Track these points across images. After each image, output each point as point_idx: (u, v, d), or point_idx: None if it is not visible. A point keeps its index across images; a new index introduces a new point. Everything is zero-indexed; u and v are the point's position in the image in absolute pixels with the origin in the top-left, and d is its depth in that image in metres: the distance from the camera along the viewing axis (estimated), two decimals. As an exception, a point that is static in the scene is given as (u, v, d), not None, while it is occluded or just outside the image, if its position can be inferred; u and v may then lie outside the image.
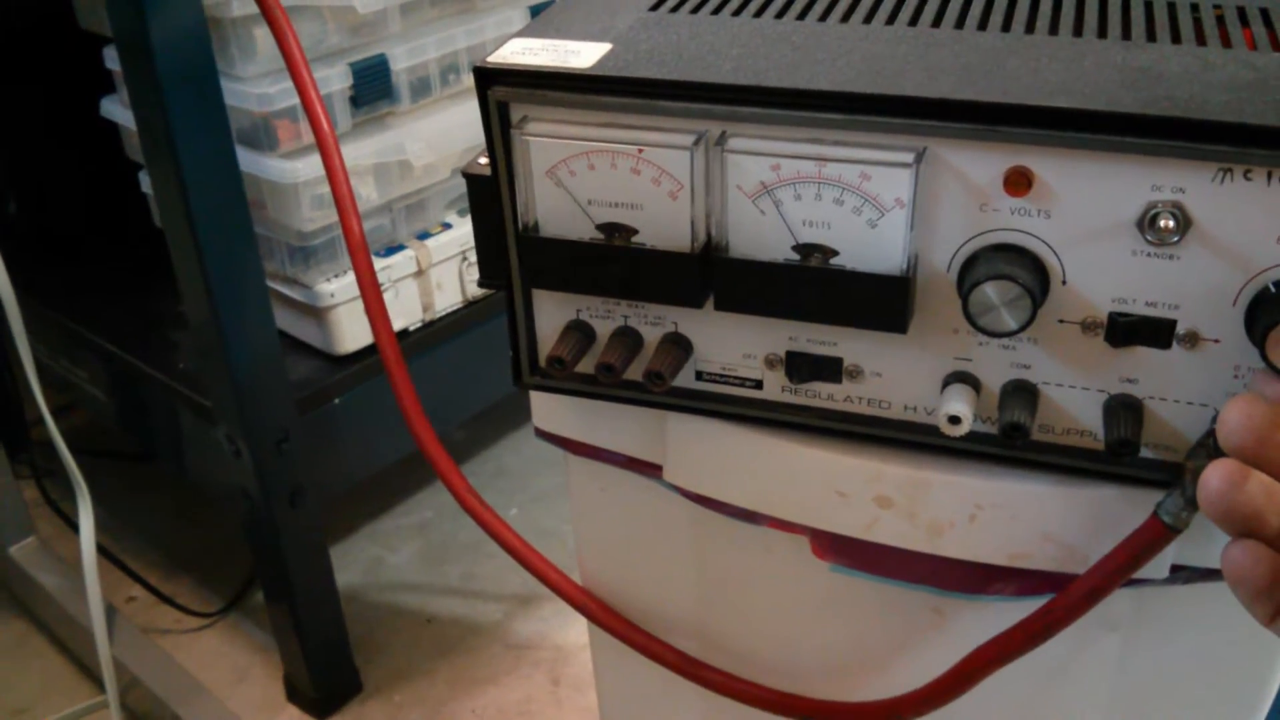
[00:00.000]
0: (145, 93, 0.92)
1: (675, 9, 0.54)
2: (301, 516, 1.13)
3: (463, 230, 1.20)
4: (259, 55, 1.01)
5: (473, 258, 1.20)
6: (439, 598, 1.40)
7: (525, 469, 1.56)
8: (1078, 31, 0.49)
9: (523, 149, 0.49)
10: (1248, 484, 0.40)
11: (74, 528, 1.22)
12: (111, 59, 1.14)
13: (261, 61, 1.02)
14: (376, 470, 1.23)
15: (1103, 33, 0.49)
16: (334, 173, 0.73)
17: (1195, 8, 0.51)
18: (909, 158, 0.44)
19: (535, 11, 1.22)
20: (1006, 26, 0.50)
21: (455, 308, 1.22)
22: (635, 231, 0.49)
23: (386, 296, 1.12)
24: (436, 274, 1.17)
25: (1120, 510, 0.49)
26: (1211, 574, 0.52)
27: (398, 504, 1.54)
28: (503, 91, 0.49)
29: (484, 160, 0.52)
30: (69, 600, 1.31)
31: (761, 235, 0.47)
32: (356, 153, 1.08)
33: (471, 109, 1.15)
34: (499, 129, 0.49)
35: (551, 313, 0.54)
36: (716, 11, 0.53)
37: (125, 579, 1.38)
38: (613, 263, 0.50)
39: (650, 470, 0.59)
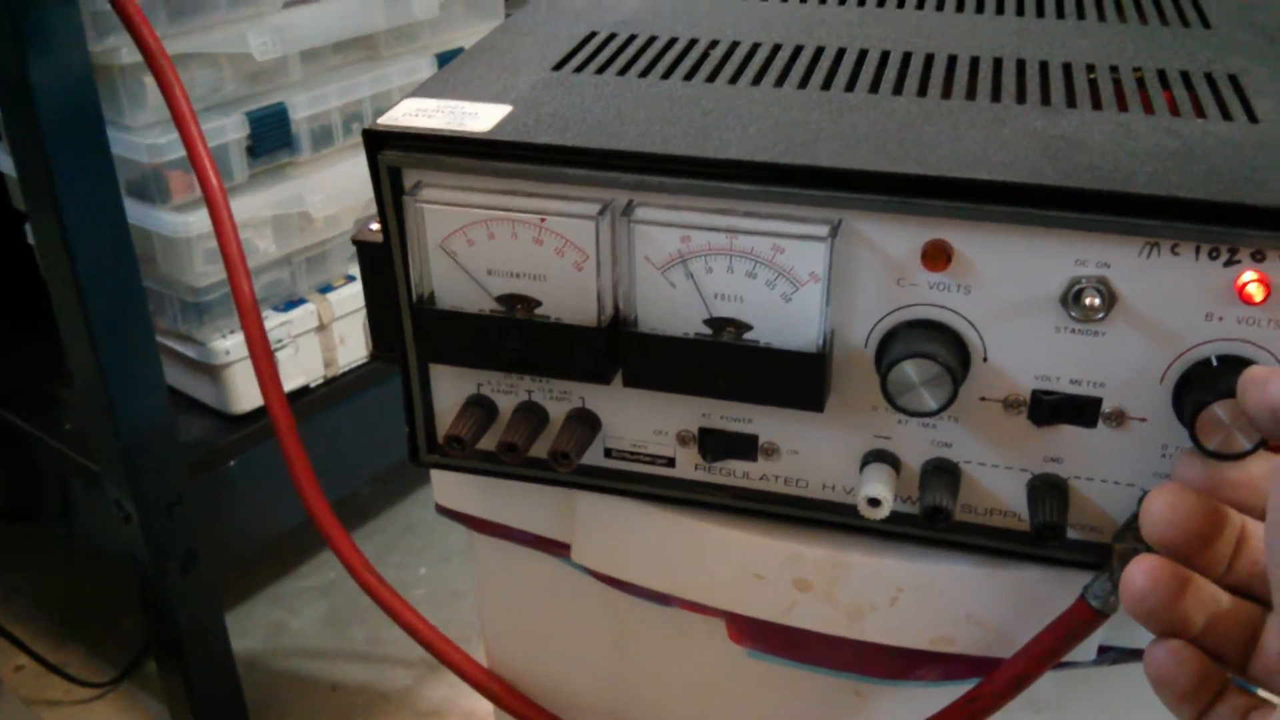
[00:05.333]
0: (26, 140, 0.88)
1: (579, 69, 0.51)
2: (195, 582, 1.08)
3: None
4: (149, 104, 0.98)
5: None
6: (344, 663, 1.34)
7: (435, 525, 1.51)
8: (995, 96, 0.47)
9: (416, 216, 0.46)
10: (1172, 582, 0.38)
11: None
12: (-6, 104, 1.09)
13: (151, 110, 0.98)
14: (276, 535, 1.18)
15: (1021, 98, 0.47)
16: (223, 230, 0.69)
17: (1115, 69, 0.50)
18: (824, 230, 0.42)
19: (443, 60, 1.19)
20: (922, 91, 0.48)
21: (359, 363, 1.18)
22: (538, 303, 0.46)
23: (286, 353, 1.08)
24: (339, 329, 1.14)
25: (1046, 591, 0.47)
26: (1140, 654, 0.50)
27: (301, 564, 1.48)
28: (394, 155, 0.46)
29: (375, 226, 0.49)
30: (-52, 672, 1.25)
31: (672, 308, 0.45)
32: (254, 204, 1.05)
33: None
34: (390, 195, 0.46)
35: (450, 387, 0.51)
36: (623, 72, 0.50)
37: (10, 647, 1.32)
38: (514, 336, 0.47)
39: (558, 550, 0.57)
